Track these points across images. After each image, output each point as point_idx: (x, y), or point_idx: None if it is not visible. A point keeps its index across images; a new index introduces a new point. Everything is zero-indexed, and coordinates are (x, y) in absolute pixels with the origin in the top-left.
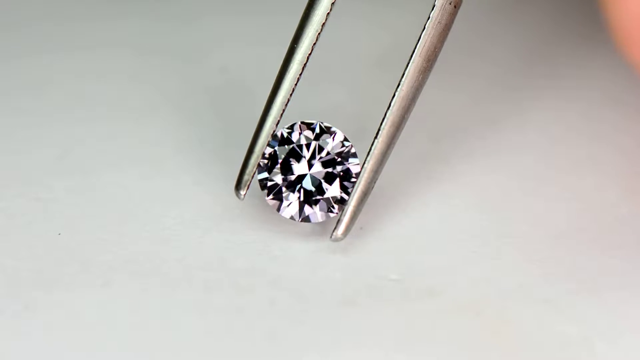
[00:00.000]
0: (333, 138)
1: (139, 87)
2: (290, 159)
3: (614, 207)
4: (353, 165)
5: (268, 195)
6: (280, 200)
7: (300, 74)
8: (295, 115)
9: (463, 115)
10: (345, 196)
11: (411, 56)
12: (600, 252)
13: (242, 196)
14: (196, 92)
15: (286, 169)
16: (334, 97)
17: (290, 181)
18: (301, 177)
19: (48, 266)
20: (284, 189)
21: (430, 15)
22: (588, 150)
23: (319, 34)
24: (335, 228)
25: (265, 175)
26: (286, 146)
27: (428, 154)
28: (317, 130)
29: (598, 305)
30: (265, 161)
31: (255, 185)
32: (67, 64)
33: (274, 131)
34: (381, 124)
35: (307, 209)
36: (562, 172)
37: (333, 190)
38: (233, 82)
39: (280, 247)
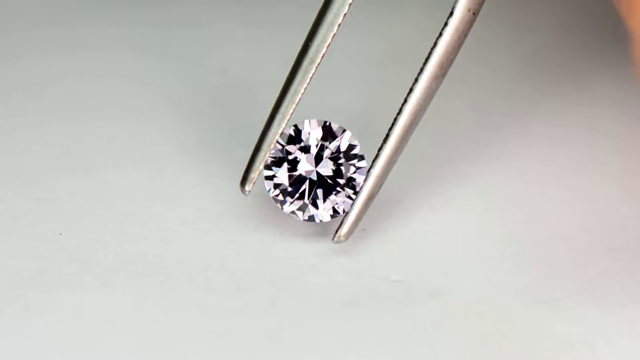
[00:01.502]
0: (342, 138)
1: (140, 88)
2: (297, 158)
3: (616, 208)
4: (360, 166)
5: (273, 192)
6: (285, 198)
7: (313, 74)
8: (301, 115)
9: (466, 117)
10: (350, 197)
11: (425, 62)
12: (602, 253)
13: (247, 192)
14: (197, 92)
15: (293, 167)
16: (340, 98)
17: (296, 179)
18: (307, 176)
19: (49, 266)
20: (289, 187)
21: (448, 22)
22: (590, 152)
23: (334, 34)
24: (338, 229)
25: (271, 172)
26: (294, 144)
27: (431, 156)
28: (326, 129)
29: (600, 307)
30: (272, 158)
31: (258, 185)
32: (68, 64)
33: (282, 129)
34: (391, 128)
35: (312, 209)
36: (564, 173)
37: (338, 190)
38: (233, 83)
39: (282, 248)
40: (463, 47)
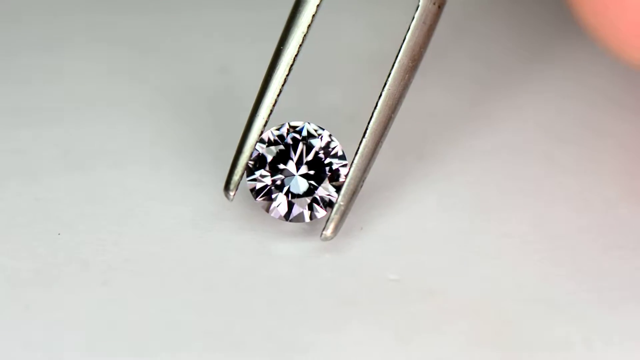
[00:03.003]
0: (320, 139)
1: (138, 87)
2: (279, 160)
3: (614, 207)
4: (341, 165)
5: (257, 196)
6: (269, 200)
7: (287, 75)
8: (288, 116)
9: (461, 114)
10: (333, 196)
11: (396, 56)
12: (600, 252)
13: (232, 197)
14: (196, 92)
15: (274, 170)
16: (327, 97)
17: (279, 181)
18: (289, 177)
19: (47, 266)
20: (272, 189)
21: (414, 16)
22: (588, 150)
23: (305, 35)
24: (324, 227)
25: (253, 176)
26: (274, 147)
27: (426, 154)
28: (305, 131)
29: (598, 306)
30: (254, 162)
31: (246, 188)
32: (67, 63)
33: (262, 131)
34: (368, 123)
35: (296, 209)
36: (562, 171)
37: (321, 190)
38: (232, 82)
39: (280, 247)
40: (457, 43)
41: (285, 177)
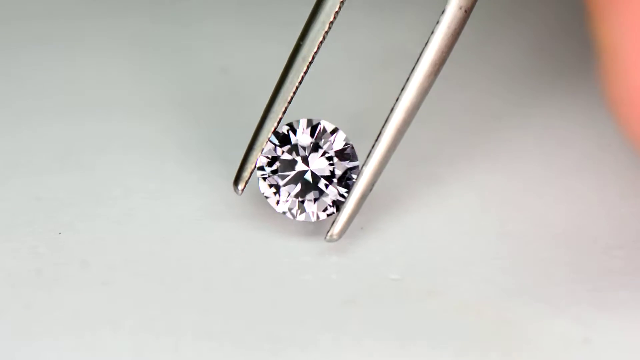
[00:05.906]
0: (334, 137)
1: (140, 87)
2: (290, 157)
3: (615, 207)
4: (352, 165)
5: (266, 191)
6: (278, 197)
7: (305, 72)
8: (298, 114)
9: (464, 115)
10: (343, 196)
11: (418, 60)
12: (600, 252)
13: (240, 191)
14: (197, 91)
15: (285, 166)
16: (338, 96)
17: (289, 178)
18: (300, 175)
19: (48, 265)
20: (282, 186)
21: (440, 20)
22: (589, 151)
23: (326, 32)
24: (330, 228)
25: (264, 171)
26: (287, 143)
27: (429, 155)
28: (319, 128)
29: (598, 306)
30: (265, 158)
31: (256, 184)
32: (68, 63)
33: (275, 128)
34: (383, 126)
35: (305, 208)
36: (563, 172)
37: (331, 189)
38: (234, 82)
39: (281, 247)
40: (463, 44)
41: (296, 174)
